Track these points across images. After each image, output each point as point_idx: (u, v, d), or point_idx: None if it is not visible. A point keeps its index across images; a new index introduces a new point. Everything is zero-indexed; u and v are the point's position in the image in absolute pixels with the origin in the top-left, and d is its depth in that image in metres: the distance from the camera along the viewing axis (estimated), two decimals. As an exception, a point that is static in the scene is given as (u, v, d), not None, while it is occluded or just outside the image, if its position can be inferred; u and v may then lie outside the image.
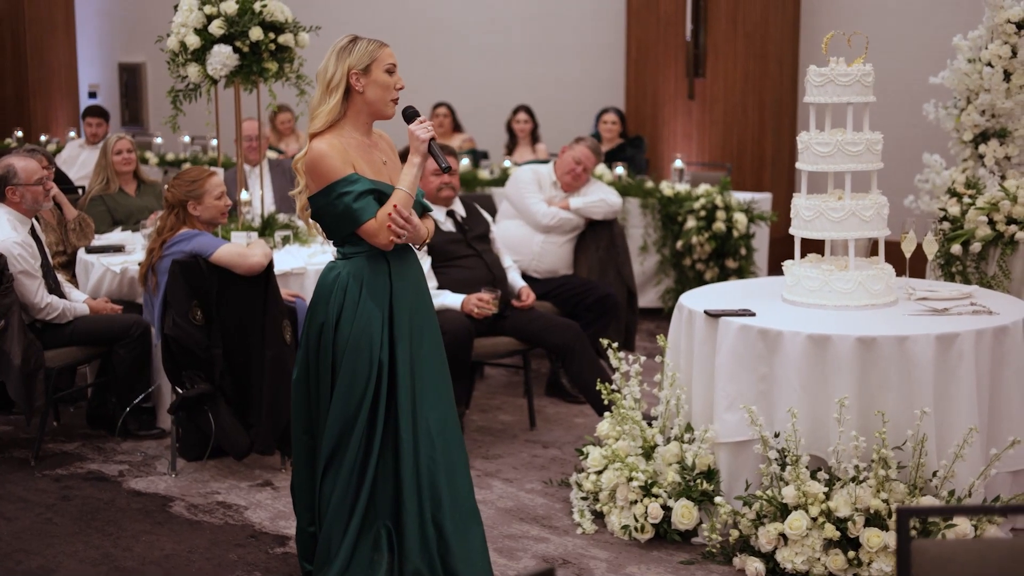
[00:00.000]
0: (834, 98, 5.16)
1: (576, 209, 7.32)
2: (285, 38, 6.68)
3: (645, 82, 11.00)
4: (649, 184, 8.92)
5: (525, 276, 7.25)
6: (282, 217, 7.19)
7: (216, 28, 6.53)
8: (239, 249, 5.66)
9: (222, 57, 6.54)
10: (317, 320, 4.27)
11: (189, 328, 5.60)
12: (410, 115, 4.24)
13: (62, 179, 8.80)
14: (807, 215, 5.21)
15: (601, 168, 9.03)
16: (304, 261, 6.35)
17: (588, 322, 6.90)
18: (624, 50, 11.19)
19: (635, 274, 8.09)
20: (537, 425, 6.55)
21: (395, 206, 4.13)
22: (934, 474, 4.63)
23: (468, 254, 6.28)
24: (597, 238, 7.46)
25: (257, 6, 6.60)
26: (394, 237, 4.16)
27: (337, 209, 4.15)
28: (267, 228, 6.82)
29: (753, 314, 5.01)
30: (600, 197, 7.40)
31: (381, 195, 4.19)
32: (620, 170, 9.05)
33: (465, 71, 12.48)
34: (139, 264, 6.12)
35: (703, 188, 8.66)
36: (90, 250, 6.73)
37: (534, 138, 10.52)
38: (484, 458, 6.06)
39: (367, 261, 4.24)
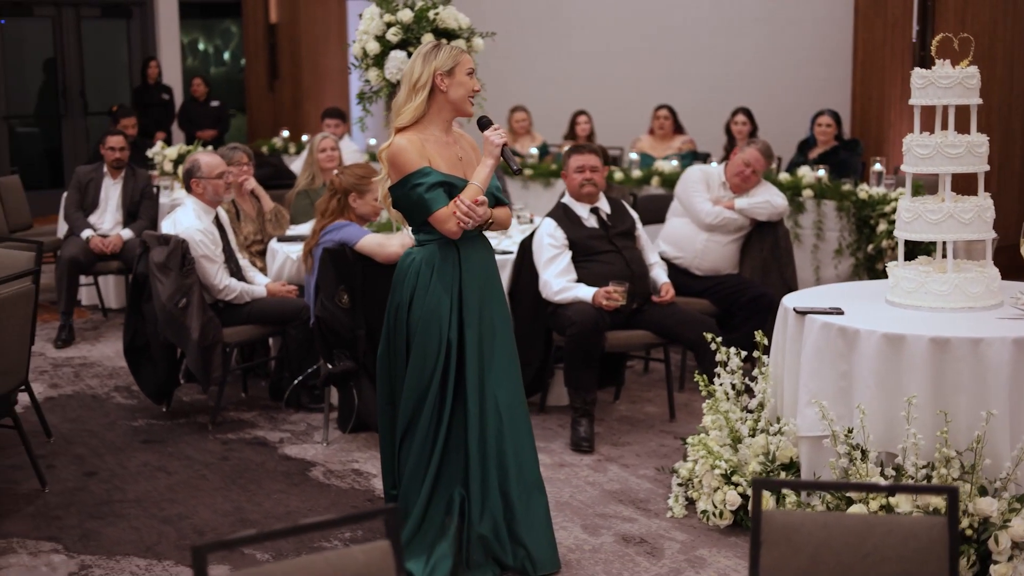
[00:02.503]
0: (935, 100, 5.20)
1: (741, 209, 7.47)
2: (457, 43, 7.12)
3: (871, 85, 10.94)
4: (846, 187, 8.91)
5: (686, 273, 7.48)
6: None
7: (392, 35, 7.06)
8: (379, 239, 6.16)
9: (397, 62, 7.05)
10: (395, 301, 4.71)
11: (336, 311, 6.14)
12: (485, 124, 4.65)
13: (285, 174, 9.59)
14: (907, 216, 5.26)
15: (804, 169, 9.11)
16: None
17: (741, 320, 7.09)
18: (851, 52, 11.15)
19: (831, 277, 8.14)
20: (677, 417, 6.76)
21: (459, 197, 4.53)
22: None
23: (608, 250, 6.56)
24: (762, 239, 7.59)
25: (431, 14, 7.09)
26: (461, 225, 4.55)
27: (411, 199, 4.58)
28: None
29: (841, 312, 5.12)
30: (765, 199, 7.52)
31: (452, 188, 4.60)
32: (821, 172, 9.08)
33: (689, 72, 12.69)
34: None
35: (898, 192, 8.60)
36: (281, 239, 7.38)
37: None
38: (612, 445, 6.34)
39: (438, 249, 4.65)
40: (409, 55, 7.05)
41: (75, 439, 6.45)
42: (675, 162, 9.95)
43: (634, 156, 10.25)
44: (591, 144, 6.94)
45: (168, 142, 13.54)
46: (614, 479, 5.84)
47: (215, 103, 14.63)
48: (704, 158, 10.78)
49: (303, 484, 5.80)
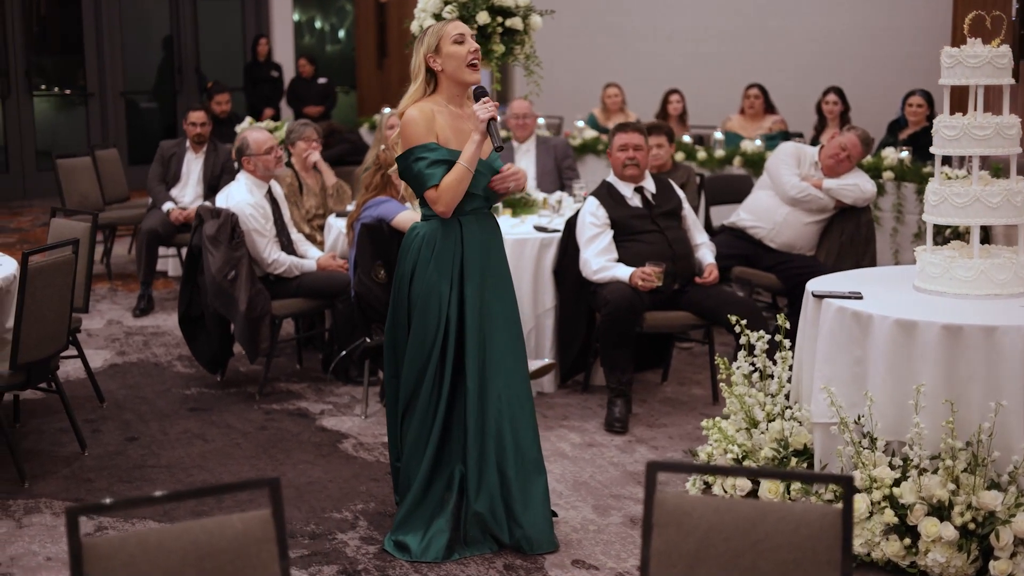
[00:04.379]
0: (963, 80, 5.05)
1: (827, 189, 7.34)
2: (512, 21, 7.13)
3: (970, 65, 10.61)
4: (927, 169, 8.68)
5: (760, 244, 7.40)
6: (536, 194, 7.69)
7: (448, 12, 7.09)
8: (415, 215, 6.19)
9: (458, 39, 7.08)
10: (398, 274, 4.76)
11: (372, 286, 6.21)
12: (477, 94, 4.62)
13: (363, 150, 9.70)
14: (933, 200, 5.13)
15: (888, 150, 8.90)
16: (503, 231, 6.74)
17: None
18: (950, 31, 10.82)
19: (910, 261, 7.92)
20: (721, 400, 6.67)
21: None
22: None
23: (651, 229, 6.51)
24: (843, 223, 7.46)
25: (488, -8, 7.10)
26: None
27: (412, 171, 4.62)
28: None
29: (860, 297, 5.01)
30: (854, 182, 7.39)
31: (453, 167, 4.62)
32: (904, 154, 8.86)
33: (784, 50, 12.48)
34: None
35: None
36: (339, 214, 7.48)
37: (843, 120, 10.40)
38: (648, 426, 6.31)
39: (440, 224, 4.68)
40: (463, 33, 7.07)
41: (127, 405, 6.64)
42: (759, 142, 9.80)
43: (719, 136, 10.11)
44: (636, 123, 6.86)
45: (276, 119, 13.78)
46: (639, 460, 5.80)
47: (322, 80, 14.85)
48: (795, 138, 10.62)
49: (331, 455, 5.89)
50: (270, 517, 2.64)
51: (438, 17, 7.15)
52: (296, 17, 17.14)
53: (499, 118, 4.66)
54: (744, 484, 5.05)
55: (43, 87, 15.31)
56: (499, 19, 7.10)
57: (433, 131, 4.62)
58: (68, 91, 15.51)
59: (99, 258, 10.41)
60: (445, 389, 4.72)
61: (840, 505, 2.65)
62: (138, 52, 15.95)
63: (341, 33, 18.08)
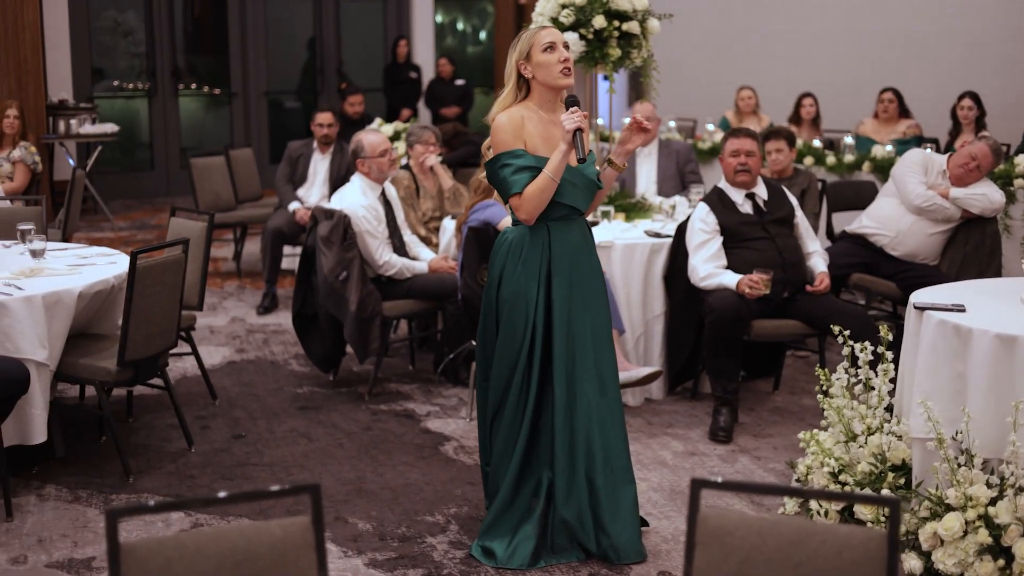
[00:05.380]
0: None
1: (955, 199, 7.15)
2: (629, 25, 7.07)
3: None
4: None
5: (881, 252, 7.25)
6: (657, 199, 7.64)
7: (564, 17, 7.07)
8: (519, 219, 6.20)
9: (570, 44, 7.06)
10: (488, 279, 4.76)
11: (478, 288, 6.23)
12: (569, 102, 4.57)
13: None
14: (1043, 210, 4.93)
15: (1022, 157, 8.61)
16: (613, 236, 6.74)
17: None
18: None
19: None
20: (832, 411, 6.54)
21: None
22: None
23: (761, 236, 6.40)
24: (968, 233, 7.25)
25: (604, -4, 7.05)
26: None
27: (498, 177, 4.61)
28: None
29: (963, 310, 4.84)
30: (983, 191, 7.17)
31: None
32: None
33: (927, 54, 12.16)
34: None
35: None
36: (454, 216, 7.51)
37: (978, 126, 10.10)
38: (753, 436, 6.21)
39: (528, 230, 4.66)
40: (581, 37, 7.06)
41: (238, 402, 6.77)
42: (890, 147, 9.56)
43: (849, 141, 9.90)
44: (748, 128, 6.75)
45: (415, 119, 13.94)
46: (739, 471, 5.72)
47: (460, 82, 14.95)
48: (928, 144, 10.35)
49: (431, 458, 5.92)
50: (310, 524, 2.66)
51: (555, 21, 7.14)
52: (439, 19, 17.30)
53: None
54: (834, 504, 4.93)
55: (193, 86, 15.72)
56: (616, 23, 7.05)
57: (521, 137, 4.60)
58: (215, 90, 15.89)
59: (231, 256, 10.67)
60: (532, 394, 4.70)
61: (886, 528, 2.56)
62: (282, 53, 16.28)
63: (482, 35, 18.20)
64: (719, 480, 2.68)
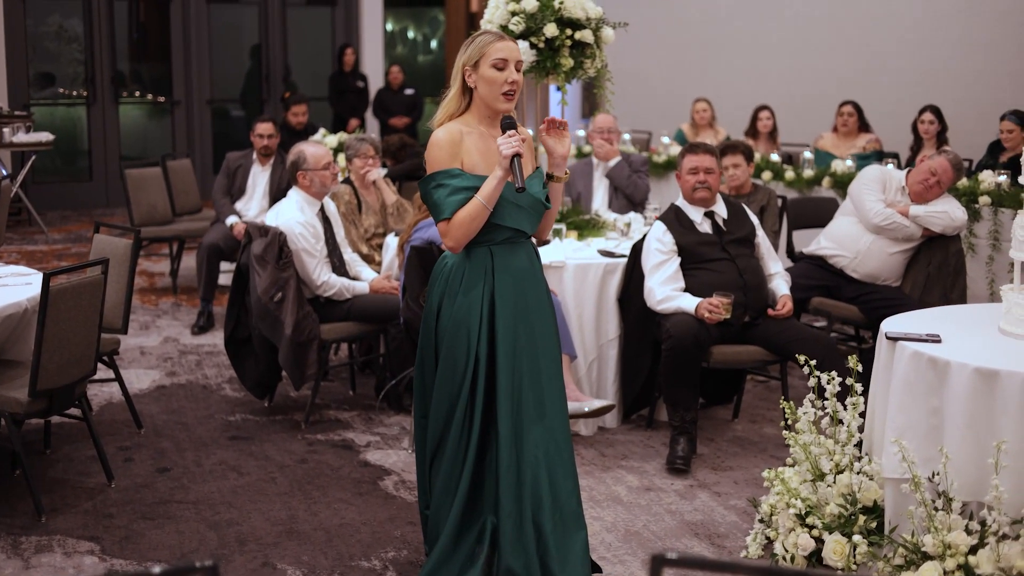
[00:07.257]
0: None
1: (915, 217, 6.84)
2: (582, 34, 6.72)
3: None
4: (1027, 195, 8.10)
5: (841, 275, 6.96)
6: (611, 215, 7.29)
7: (514, 24, 6.71)
8: (465, 239, 5.81)
9: (521, 53, 6.69)
10: (427, 307, 4.36)
11: (420, 313, 5.82)
12: (505, 125, 4.16)
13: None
14: (1021, 235, 4.62)
15: (985, 173, 8.33)
16: (565, 256, 6.38)
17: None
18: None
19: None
20: (794, 442, 6.20)
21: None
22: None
23: (721, 257, 6.07)
24: (931, 253, 6.96)
25: (556, 3, 6.69)
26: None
27: (431, 198, 4.21)
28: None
29: (938, 340, 4.51)
30: (943, 208, 6.87)
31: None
32: (1002, 178, 8.27)
33: (886, 67, 11.91)
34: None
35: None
36: (398, 233, 7.13)
37: (940, 140, 9.83)
38: (712, 468, 5.86)
39: (468, 254, 4.27)
40: (532, 46, 6.70)
41: (165, 432, 6.35)
42: (850, 162, 9.27)
43: (808, 155, 9.59)
44: (706, 143, 6.40)
45: (362, 129, 13.54)
46: (699, 509, 5.36)
47: (409, 91, 14.57)
48: (889, 159, 10.07)
49: (369, 494, 5.53)
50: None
51: (504, 28, 6.78)
52: (389, 27, 16.91)
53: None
54: (807, 543, 4.58)
55: (137, 93, 15.25)
56: (568, 31, 6.69)
57: (458, 156, 4.21)
58: (158, 98, 15.42)
59: (167, 271, 10.24)
60: (476, 432, 4.30)
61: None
62: (228, 60, 15.83)
63: (434, 43, 17.82)
64: (674, 556, 2.31)
